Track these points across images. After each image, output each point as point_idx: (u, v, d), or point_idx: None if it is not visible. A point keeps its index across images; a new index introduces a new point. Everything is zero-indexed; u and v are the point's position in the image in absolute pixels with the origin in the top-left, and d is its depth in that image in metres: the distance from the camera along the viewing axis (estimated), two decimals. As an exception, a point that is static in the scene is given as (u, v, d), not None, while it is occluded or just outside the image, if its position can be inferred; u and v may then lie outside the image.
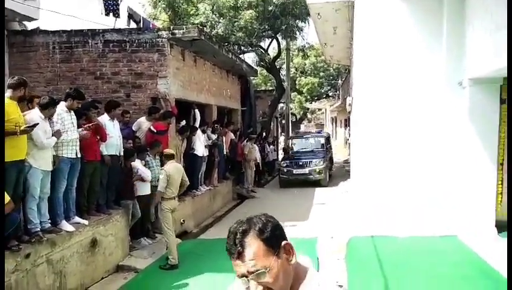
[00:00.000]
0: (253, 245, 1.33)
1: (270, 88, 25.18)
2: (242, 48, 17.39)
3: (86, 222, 5.79)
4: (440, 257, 5.51)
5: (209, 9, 15.22)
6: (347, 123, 21.26)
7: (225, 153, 11.51)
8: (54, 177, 5.29)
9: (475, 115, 6.17)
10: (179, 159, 8.28)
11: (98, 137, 6.14)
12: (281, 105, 22.67)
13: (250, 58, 21.99)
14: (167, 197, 6.31)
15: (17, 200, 4.60)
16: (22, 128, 4.51)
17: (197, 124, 9.78)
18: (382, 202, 6.68)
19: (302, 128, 39.70)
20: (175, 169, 6.46)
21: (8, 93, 4.61)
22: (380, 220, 6.50)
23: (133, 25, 10.33)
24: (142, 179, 6.92)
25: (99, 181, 6.24)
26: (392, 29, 6.76)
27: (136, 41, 8.15)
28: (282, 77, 21.94)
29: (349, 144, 16.39)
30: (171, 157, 6.61)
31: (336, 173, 16.91)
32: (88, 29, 8.44)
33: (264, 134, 17.52)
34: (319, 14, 9.33)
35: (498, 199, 6.34)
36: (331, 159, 17.23)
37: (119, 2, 9.61)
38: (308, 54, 25.72)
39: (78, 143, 5.66)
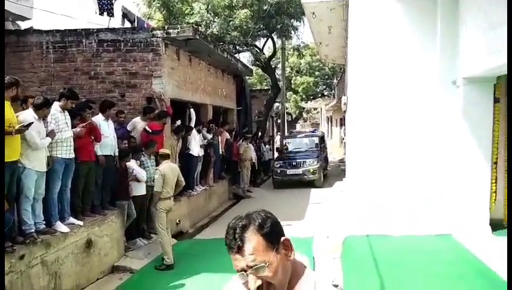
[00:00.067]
0: (253, 240, 1.34)
1: (266, 87, 25.17)
2: (237, 47, 17.37)
3: (80, 222, 5.76)
4: (435, 255, 5.54)
5: (203, 8, 15.19)
6: (342, 122, 21.33)
7: (221, 152, 11.50)
8: (48, 178, 5.25)
9: (469, 113, 6.21)
10: (174, 159, 8.26)
11: (93, 137, 6.11)
12: (276, 104, 22.67)
13: (245, 57, 21.93)
14: (162, 197, 6.30)
15: (10, 201, 4.57)
16: (16, 127, 4.48)
17: (193, 124, 9.75)
18: (377, 201, 6.71)
19: (298, 127, 39.76)
20: (170, 169, 6.45)
21: (0, 93, 4.57)
22: (375, 220, 6.53)
23: (127, 25, 10.29)
24: (137, 180, 6.90)
25: (94, 182, 6.22)
26: (387, 29, 6.79)
27: (131, 40, 8.11)
28: (277, 76, 21.95)
29: (344, 143, 16.40)
30: (166, 157, 6.59)
31: (332, 173, 16.92)
32: (82, 29, 8.38)
33: (259, 134, 17.49)
34: (313, 13, 9.35)
35: (492, 198, 6.38)
36: (326, 158, 17.16)
37: (113, 1, 9.57)
38: (304, 53, 25.73)
39: (73, 143, 5.63)
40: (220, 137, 11.46)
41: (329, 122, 36.84)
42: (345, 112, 9.32)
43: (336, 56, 15.02)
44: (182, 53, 9.11)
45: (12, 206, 4.72)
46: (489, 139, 6.25)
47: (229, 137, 12.39)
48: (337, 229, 6.92)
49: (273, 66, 21.63)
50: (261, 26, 16.25)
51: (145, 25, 10.83)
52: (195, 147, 9.46)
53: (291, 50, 23.83)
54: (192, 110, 9.95)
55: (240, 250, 1.34)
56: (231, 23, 15.06)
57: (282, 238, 1.40)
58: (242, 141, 13.46)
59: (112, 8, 9.61)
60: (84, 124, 5.88)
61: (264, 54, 19.22)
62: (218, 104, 12.34)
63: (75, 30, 8.32)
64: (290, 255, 1.41)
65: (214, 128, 10.95)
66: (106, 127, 6.51)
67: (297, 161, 14.58)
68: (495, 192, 6.43)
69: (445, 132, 6.52)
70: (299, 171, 14.23)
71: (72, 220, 5.70)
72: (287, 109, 27.73)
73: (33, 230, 4.91)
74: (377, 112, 6.86)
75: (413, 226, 6.36)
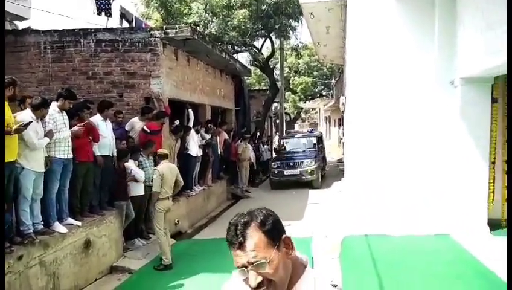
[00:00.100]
0: (254, 236, 1.35)
1: (264, 88, 25.19)
2: (235, 47, 17.38)
3: (79, 223, 5.75)
4: (433, 255, 5.54)
5: (202, 8, 15.19)
6: (341, 122, 21.32)
7: (219, 153, 11.50)
8: (46, 178, 5.24)
9: (467, 114, 6.22)
10: (173, 159, 8.26)
11: (91, 138, 6.10)
12: (275, 105, 22.69)
13: (243, 57, 21.97)
14: (161, 197, 6.29)
15: (8, 201, 4.56)
16: (14, 127, 4.46)
17: (191, 124, 9.75)
18: (376, 201, 6.71)
19: (296, 127, 39.75)
20: (168, 169, 6.45)
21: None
22: (374, 219, 6.53)
23: (125, 25, 10.29)
24: (136, 180, 6.89)
25: (92, 182, 6.21)
26: (385, 29, 6.79)
27: (129, 40, 8.10)
28: (276, 76, 21.95)
29: (342, 143, 16.40)
30: (164, 157, 6.59)
31: (330, 173, 16.91)
32: (80, 29, 8.37)
33: (258, 134, 17.51)
34: (311, 13, 9.36)
35: (490, 198, 6.39)
36: (324, 158, 17.10)
37: (111, 1, 9.57)
38: (302, 54, 25.73)
39: (71, 144, 5.62)
40: (218, 137, 11.46)
41: (328, 123, 36.87)
42: (343, 112, 9.34)
43: (334, 56, 15.03)
44: (180, 53, 9.11)
45: (10, 207, 4.71)
46: (487, 139, 6.26)
47: (227, 137, 12.39)
48: (336, 229, 6.93)
49: (271, 66, 21.65)
50: (259, 26, 16.27)
51: (143, 25, 10.82)
52: (194, 147, 9.46)
53: (290, 50, 23.82)
54: (190, 110, 9.95)
55: (241, 246, 1.35)
56: (229, 23, 15.07)
57: (283, 236, 1.41)
58: (240, 141, 13.46)
59: (110, 8, 9.60)
60: (82, 124, 5.87)
61: (262, 54, 19.24)
62: (217, 104, 12.34)
63: (73, 30, 8.31)
64: (291, 253, 1.42)
65: (212, 129, 10.95)
66: (104, 127, 6.50)
67: (295, 161, 14.46)
68: (493, 192, 6.44)
69: (443, 132, 6.53)
70: (297, 171, 14.07)
71: (70, 220, 5.70)
72: (285, 109, 27.77)
73: (31, 231, 4.90)
74: (375, 112, 6.86)
75: (411, 226, 6.36)
